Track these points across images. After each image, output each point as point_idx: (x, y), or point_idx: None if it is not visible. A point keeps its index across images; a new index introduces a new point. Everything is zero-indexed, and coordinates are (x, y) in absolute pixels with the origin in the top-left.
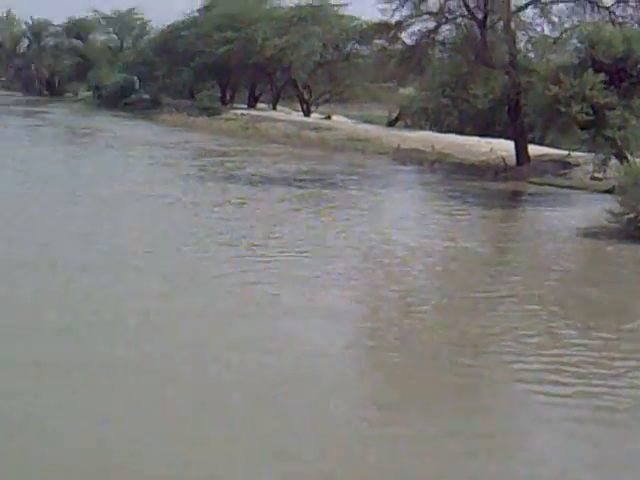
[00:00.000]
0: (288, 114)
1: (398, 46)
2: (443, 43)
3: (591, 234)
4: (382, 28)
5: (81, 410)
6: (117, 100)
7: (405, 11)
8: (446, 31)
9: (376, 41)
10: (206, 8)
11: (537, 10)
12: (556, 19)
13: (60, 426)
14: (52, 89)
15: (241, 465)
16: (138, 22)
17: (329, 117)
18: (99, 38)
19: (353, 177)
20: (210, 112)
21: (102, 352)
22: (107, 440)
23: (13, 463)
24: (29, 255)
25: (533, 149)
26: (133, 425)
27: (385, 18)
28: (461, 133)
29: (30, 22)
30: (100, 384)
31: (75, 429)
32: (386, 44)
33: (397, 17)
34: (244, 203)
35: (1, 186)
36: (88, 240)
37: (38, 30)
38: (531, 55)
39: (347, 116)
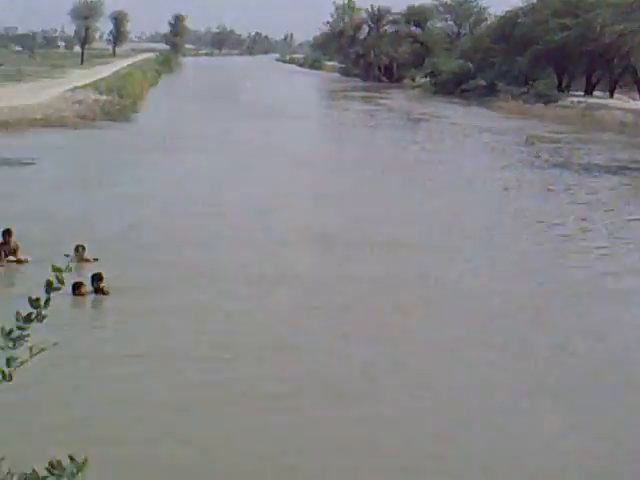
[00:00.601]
0: (626, 102)
1: None
2: None
3: None
4: None
5: None
6: (453, 87)
7: None
8: None
9: None
10: None
11: None
12: None
13: None
14: (390, 75)
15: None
16: (476, 9)
17: None
18: (437, 25)
19: None
20: (545, 99)
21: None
22: None
23: None
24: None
25: None
26: None
27: None
28: None
29: (370, 9)
30: None
31: None
32: None
33: None
34: (574, 193)
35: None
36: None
37: (378, 17)
38: None
39: None
